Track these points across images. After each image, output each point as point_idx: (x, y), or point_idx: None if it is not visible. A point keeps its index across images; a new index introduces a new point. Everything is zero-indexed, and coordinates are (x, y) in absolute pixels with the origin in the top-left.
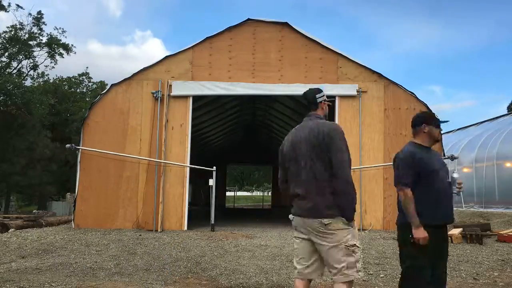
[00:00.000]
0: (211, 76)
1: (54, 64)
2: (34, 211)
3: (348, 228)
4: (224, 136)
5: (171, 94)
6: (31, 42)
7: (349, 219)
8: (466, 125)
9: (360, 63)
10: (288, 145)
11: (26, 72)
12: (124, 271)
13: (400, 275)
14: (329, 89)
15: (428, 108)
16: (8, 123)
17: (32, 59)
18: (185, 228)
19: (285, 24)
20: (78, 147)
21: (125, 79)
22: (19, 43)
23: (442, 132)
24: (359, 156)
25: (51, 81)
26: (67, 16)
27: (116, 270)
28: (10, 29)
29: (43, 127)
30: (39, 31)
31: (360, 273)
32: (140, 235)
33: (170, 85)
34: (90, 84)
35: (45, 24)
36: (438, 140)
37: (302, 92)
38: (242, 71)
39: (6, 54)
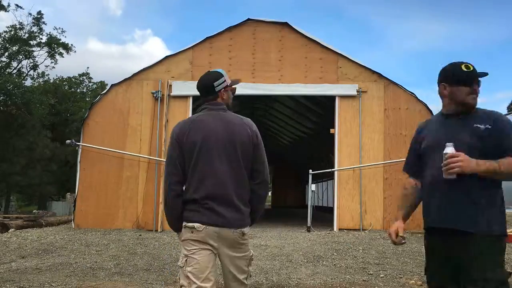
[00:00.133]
0: None
1: (54, 63)
2: (34, 211)
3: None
4: None
5: (171, 94)
6: (31, 42)
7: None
8: None
9: (360, 63)
10: (196, 136)
11: (26, 72)
12: (124, 271)
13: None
14: (329, 89)
15: (428, 108)
16: (8, 123)
17: (32, 59)
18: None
19: (285, 24)
20: (78, 143)
21: (125, 79)
22: (19, 42)
23: (479, 89)
24: (359, 156)
25: (51, 81)
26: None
27: (116, 270)
28: (10, 29)
29: (43, 127)
30: (39, 31)
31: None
32: (140, 235)
33: (170, 85)
34: (90, 84)
35: (45, 24)
36: (466, 103)
37: (302, 92)
38: (242, 71)
39: (6, 54)
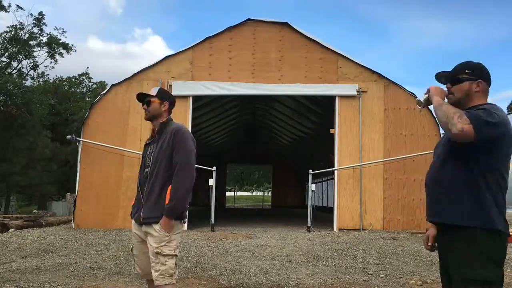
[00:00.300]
0: (211, 76)
1: (54, 63)
2: (34, 211)
3: None
4: (224, 136)
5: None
6: (31, 42)
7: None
8: None
9: (360, 63)
10: None
11: (26, 72)
12: (124, 271)
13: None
14: (329, 89)
15: (428, 108)
16: (8, 123)
17: (32, 59)
18: (185, 228)
19: (285, 24)
20: (79, 139)
21: (125, 79)
22: (19, 43)
23: (453, 87)
24: (359, 156)
25: (51, 81)
26: (67, 14)
27: (116, 270)
28: (10, 29)
29: (43, 127)
30: (39, 32)
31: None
32: None
33: (170, 85)
34: (90, 84)
35: (46, 25)
36: (451, 99)
37: (302, 92)
38: (242, 71)
39: (6, 54)
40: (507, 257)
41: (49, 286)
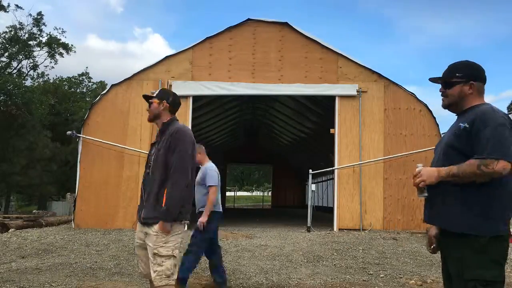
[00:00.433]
0: (211, 76)
1: (54, 63)
2: (34, 211)
3: None
4: (224, 136)
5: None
6: (31, 42)
7: None
8: None
9: (360, 63)
10: None
11: (26, 72)
12: (124, 271)
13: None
14: (329, 89)
15: (427, 107)
16: (8, 123)
17: (32, 59)
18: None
19: (285, 24)
20: (79, 135)
21: (125, 79)
22: (19, 43)
23: (445, 90)
24: (359, 156)
25: (51, 81)
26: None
27: (116, 270)
28: (10, 29)
29: (43, 127)
30: (39, 32)
31: None
32: None
33: (170, 85)
34: (90, 84)
35: (45, 25)
36: (444, 101)
37: (302, 92)
38: (242, 71)
39: (6, 54)
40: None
41: (49, 286)
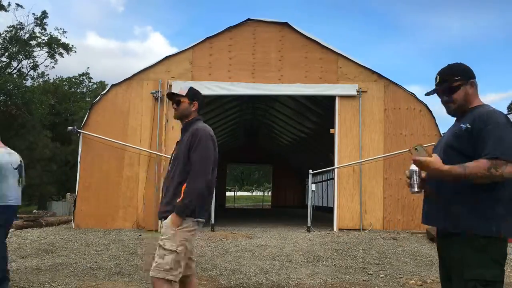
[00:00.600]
0: (211, 76)
1: (54, 64)
2: (34, 211)
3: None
4: (224, 136)
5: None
6: (31, 42)
7: None
8: None
9: (360, 63)
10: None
11: (26, 72)
12: (124, 271)
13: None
14: (329, 89)
15: (427, 107)
16: (8, 123)
17: (32, 59)
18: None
19: (285, 24)
20: (80, 130)
21: (125, 79)
22: (19, 43)
23: (440, 96)
24: (359, 156)
25: (51, 81)
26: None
27: (116, 270)
28: (11, 29)
29: (43, 127)
30: (42, 31)
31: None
32: (140, 235)
33: (170, 85)
34: (90, 84)
35: (47, 25)
36: (451, 107)
37: (302, 92)
38: (242, 71)
39: (6, 54)
40: (507, 257)
41: (49, 286)
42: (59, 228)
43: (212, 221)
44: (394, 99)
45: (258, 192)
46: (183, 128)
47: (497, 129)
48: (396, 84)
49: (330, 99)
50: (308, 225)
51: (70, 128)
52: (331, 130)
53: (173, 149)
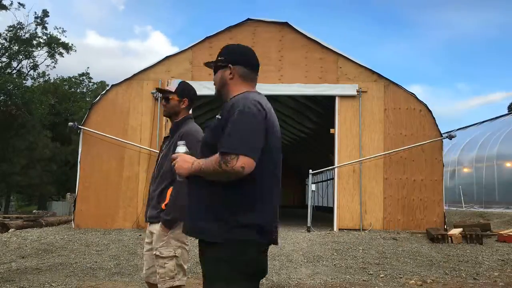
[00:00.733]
0: (211, 76)
1: (55, 63)
2: (34, 211)
3: None
4: None
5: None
6: (32, 42)
7: None
8: (466, 125)
9: (360, 63)
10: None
11: (26, 72)
12: (124, 271)
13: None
14: (329, 89)
15: (427, 108)
16: (8, 123)
17: (32, 59)
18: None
19: (285, 24)
20: (80, 126)
21: (126, 79)
22: (19, 42)
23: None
24: (359, 156)
25: (51, 81)
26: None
27: (116, 270)
28: (11, 29)
29: (43, 127)
30: (43, 30)
31: None
32: (140, 235)
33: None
34: (90, 84)
35: (47, 23)
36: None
37: (302, 92)
38: None
39: (7, 54)
40: (507, 257)
41: (49, 286)
42: (59, 228)
43: None
44: (394, 99)
45: None
46: (172, 128)
47: (236, 119)
48: (396, 84)
49: (330, 99)
50: (308, 225)
51: (71, 124)
52: (331, 130)
53: (162, 148)
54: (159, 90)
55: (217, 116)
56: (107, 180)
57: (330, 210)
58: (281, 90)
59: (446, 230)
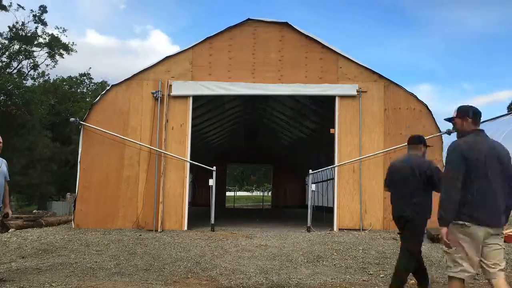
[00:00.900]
0: (211, 76)
1: (55, 64)
2: (34, 211)
3: None
4: (224, 136)
5: (171, 94)
6: (32, 42)
7: None
8: None
9: (360, 63)
10: (481, 153)
11: (26, 72)
12: (124, 271)
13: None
14: (329, 89)
15: (427, 108)
16: (8, 123)
17: (32, 59)
18: (185, 228)
19: (285, 24)
20: (82, 122)
21: (126, 80)
22: (19, 42)
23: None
24: (359, 156)
25: (51, 81)
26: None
27: (116, 270)
28: (12, 29)
29: (43, 127)
30: (43, 27)
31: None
32: (140, 235)
33: (170, 85)
34: (90, 84)
35: (46, 21)
36: None
37: (302, 92)
38: (242, 71)
39: (7, 54)
40: (507, 257)
41: (49, 286)
42: (59, 228)
43: (212, 221)
44: (394, 99)
45: (258, 192)
46: None
47: None
48: (396, 84)
49: (330, 99)
50: (308, 225)
51: (72, 119)
52: (331, 130)
53: None
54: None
55: None
56: (107, 180)
57: (330, 210)
58: (281, 90)
59: None
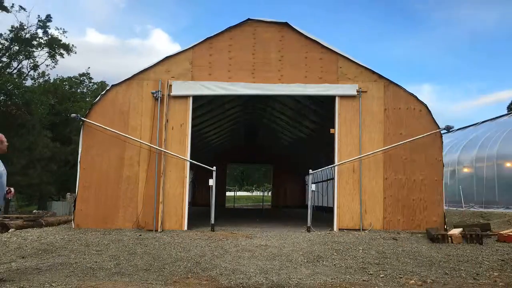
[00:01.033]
0: (211, 76)
1: (55, 64)
2: (34, 211)
3: None
4: (224, 136)
5: (171, 94)
6: (33, 42)
7: None
8: (466, 125)
9: (360, 63)
10: None
11: (27, 72)
12: (124, 271)
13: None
14: (329, 89)
15: (427, 108)
16: (8, 123)
17: (33, 59)
18: (185, 228)
19: (285, 24)
20: (83, 118)
21: (126, 80)
22: (20, 43)
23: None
24: (359, 156)
25: (51, 81)
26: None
27: (116, 270)
28: (13, 29)
29: (43, 127)
30: (44, 32)
31: None
32: (140, 235)
33: (170, 85)
34: (90, 84)
35: (49, 28)
36: None
37: (302, 92)
38: (242, 71)
39: (7, 54)
40: (507, 257)
41: (49, 286)
42: (59, 228)
43: (212, 221)
44: (394, 99)
45: (258, 192)
46: None
47: None
48: (396, 84)
49: (330, 99)
50: (308, 225)
51: (74, 115)
52: (331, 130)
53: None
54: None
55: None
56: (107, 180)
57: (330, 210)
58: (281, 90)
59: (446, 230)
